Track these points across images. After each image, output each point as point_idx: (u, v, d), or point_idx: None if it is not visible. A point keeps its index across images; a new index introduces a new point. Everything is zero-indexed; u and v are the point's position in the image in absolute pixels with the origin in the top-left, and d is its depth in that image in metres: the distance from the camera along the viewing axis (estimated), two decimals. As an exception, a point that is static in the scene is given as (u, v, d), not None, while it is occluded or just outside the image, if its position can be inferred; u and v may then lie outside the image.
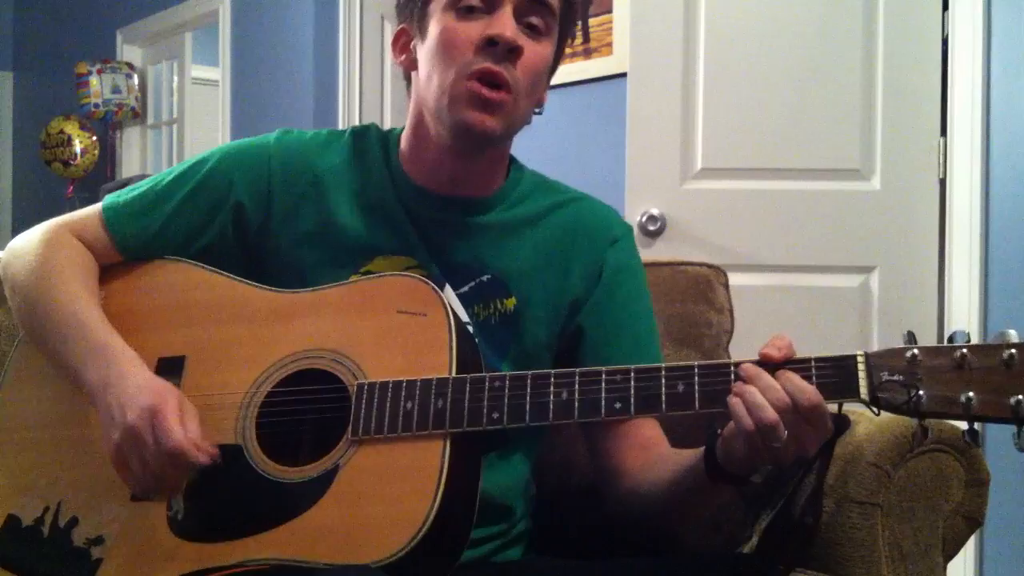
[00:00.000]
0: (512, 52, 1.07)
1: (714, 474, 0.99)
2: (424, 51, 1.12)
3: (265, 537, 0.97)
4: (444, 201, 1.17)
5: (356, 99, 4.03)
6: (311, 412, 1.04)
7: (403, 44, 1.18)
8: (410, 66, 1.17)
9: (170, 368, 1.10)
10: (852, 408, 1.46)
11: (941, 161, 2.47)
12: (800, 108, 2.54)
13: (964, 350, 0.86)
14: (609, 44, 3.07)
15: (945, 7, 2.45)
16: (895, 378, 0.88)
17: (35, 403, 1.14)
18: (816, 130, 2.54)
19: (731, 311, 1.67)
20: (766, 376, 0.91)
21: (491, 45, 1.06)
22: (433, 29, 1.10)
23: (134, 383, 1.02)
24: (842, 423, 1.41)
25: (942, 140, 2.47)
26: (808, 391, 0.89)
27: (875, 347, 2.81)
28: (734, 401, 0.91)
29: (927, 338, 2.47)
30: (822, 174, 2.54)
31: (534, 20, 1.10)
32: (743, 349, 1.73)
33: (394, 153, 1.19)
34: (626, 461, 1.14)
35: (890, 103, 2.49)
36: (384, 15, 4.13)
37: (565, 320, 1.18)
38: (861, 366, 0.90)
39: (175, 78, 5.55)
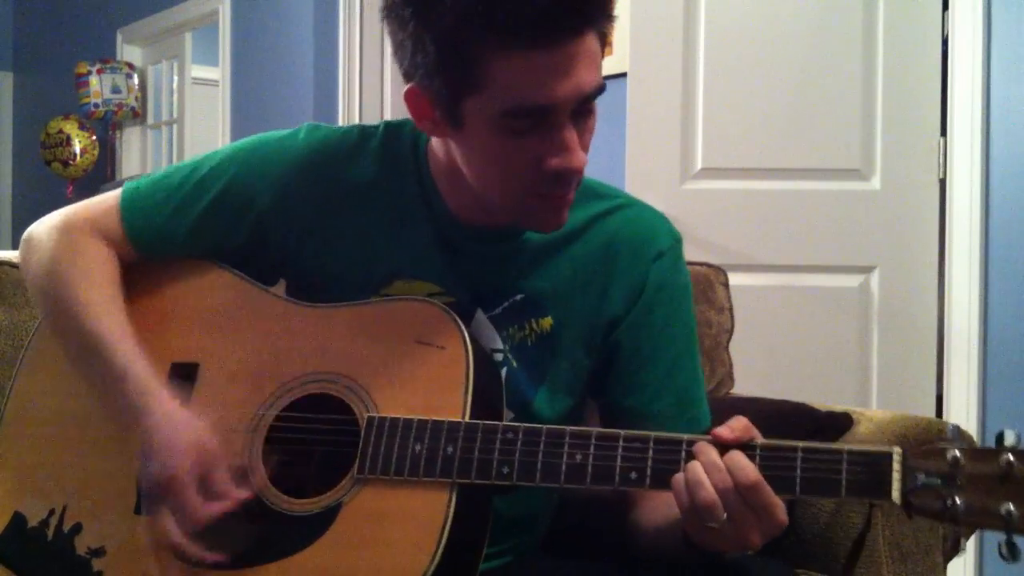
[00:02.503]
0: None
1: (689, 541, 0.93)
2: (464, 149, 0.99)
3: (261, 571, 0.95)
4: (478, 231, 1.08)
5: (356, 99, 4.03)
6: (318, 441, 1.02)
7: (421, 109, 0.99)
8: (439, 133, 1.02)
9: (183, 375, 1.08)
10: (852, 408, 1.46)
11: (941, 161, 2.47)
12: (800, 108, 2.54)
13: (1010, 456, 0.80)
14: (609, 44, 3.07)
15: (945, 7, 2.45)
16: (931, 481, 0.83)
17: (49, 396, 1.12)
18: (816, 130, 2.54)
19: (731, 311, 1.67)
20: (713, 452, 0.87)
21: (562, 172, 0.96)
22: (477, 138, 0.97)
23: (167, 425, 1.00)
24: (844, 421, 1.41)
25: (942, 140, 2.47)
26: (749, 470, 0.84)
27: (875, 347, 2.80)
28: (676, 477, 0.88)
29: (927, 339, 2.47)
30: (822, 174, 2.54)
31: (588, 106, 0.97)
32: (743, 349, 1.74)
33: (425, 167, 1.09)
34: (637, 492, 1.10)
35: (890, 103, 2.49)
36: (384, 15, 4.12)
37: (603, 338, 1.10)
38: (896, 465, 0.84)
39: (175, 78, 5.54)
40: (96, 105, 5.33)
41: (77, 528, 1.05)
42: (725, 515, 0.85)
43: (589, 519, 1.24)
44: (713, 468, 0.86)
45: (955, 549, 0.83)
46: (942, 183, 2.47)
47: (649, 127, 2.60)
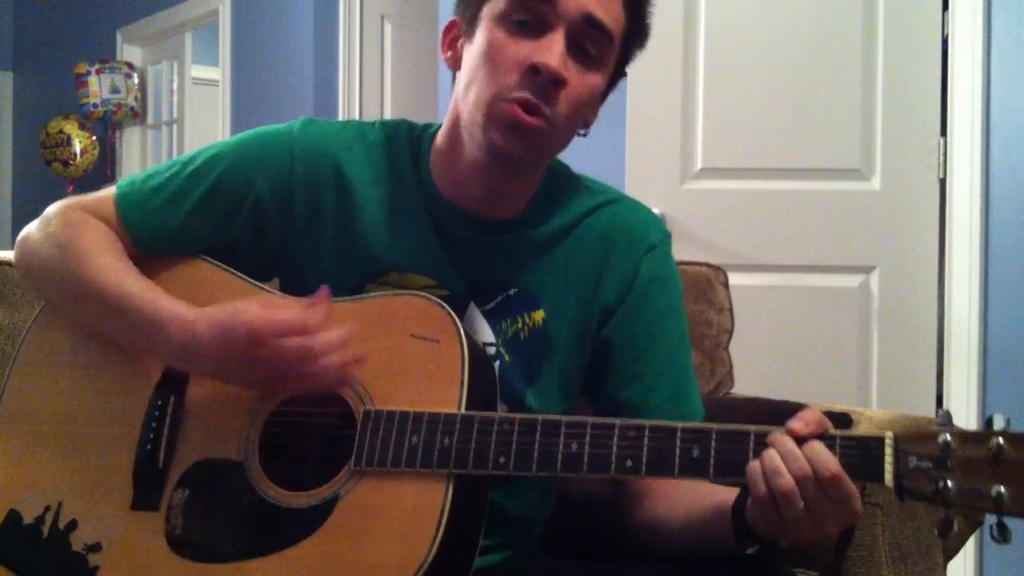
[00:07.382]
0: (556, 84, 1.00)
1: (741, 532, 0.93)
2: (468, 56, 1.05)
3: (259, 564, 0.95)
4: (473, 220, 1.10)
5: (356, 99, 4.04)
6: (315, 434, 1.02)
7: (451, 39, 1.10)
8: (455, 65, 1.10)
9: (175, 373, 1.07)
10: (851, 408, 1.46)
11: (941, 161, 2.47)
12: (800, 108, 2.54)
13: (1000, 439, 0.81)
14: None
15: (945, 7, 2.45)
16: (923, 465, 0.83)
17: (46, 394, 1.12)
18: (816, 130, 2.54)
19: (731, 311, 1.67)
20: (789, 442, 0.86)
21: (535, 73, 0.99)
22: (480, 37, 1.03)
23: (215, 319, 0.99)
24: (843, 421, 1.41)
25: (942, 140, 2.47)
26: (831, 462, 0.84)
27: (875, 347, 2.80)
28: (752, 465, 0.87)
29: (927, 339, 2.47)
30: (822, 174, 2.55)
31: (588, 46, 1.02)
32: (743, 349, 1.74)
33: (425, 160, 1.12)
34: (652, 483, 1.09)
35: (890, 103, 2.49)
36: (384, 15, 4.13)
37: (596, 329, 1.12)
38: (888, 449, 0.85)
39: (175, 78, 5.55)
40: (96, 105, 5.33)
41: (72, 525, 1.04)
42: (802, 504, 0.84)
43: (589, 519, 1.24)
44: (791, 457, 0.85)
45: (944, 534, 0.85)
46: (942, 183, 2.47)
47: (649, 127, 2.60)
